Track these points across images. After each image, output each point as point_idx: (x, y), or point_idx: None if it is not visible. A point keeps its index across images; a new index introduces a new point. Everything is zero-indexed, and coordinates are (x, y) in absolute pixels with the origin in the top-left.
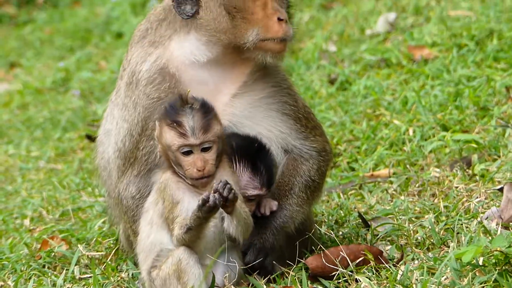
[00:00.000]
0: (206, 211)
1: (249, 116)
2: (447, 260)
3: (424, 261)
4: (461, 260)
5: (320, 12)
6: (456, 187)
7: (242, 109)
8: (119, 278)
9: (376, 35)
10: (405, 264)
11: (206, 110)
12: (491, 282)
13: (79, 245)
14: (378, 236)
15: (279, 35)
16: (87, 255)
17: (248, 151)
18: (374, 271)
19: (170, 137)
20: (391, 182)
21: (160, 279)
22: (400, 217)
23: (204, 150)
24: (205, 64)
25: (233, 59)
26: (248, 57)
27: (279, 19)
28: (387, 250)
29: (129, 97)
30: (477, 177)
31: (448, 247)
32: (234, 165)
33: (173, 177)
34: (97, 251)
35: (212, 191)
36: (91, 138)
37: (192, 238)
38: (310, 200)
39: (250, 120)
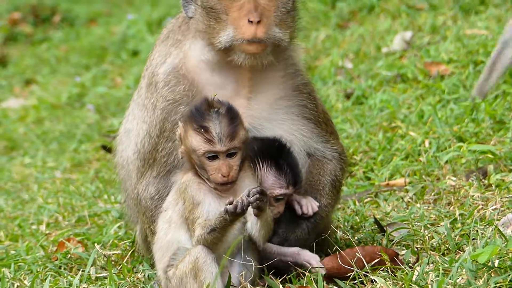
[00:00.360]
0: (233, 214)
1: (268, 118)
2: (463, 261)
3: (440, 263)
4: (476, 261)
5: (336, 31)
6: (472, 196)
7: (260, 111)
8: (135, 279)
9: (392, 53)
10: (420, 266)
11: (233, 116)
12: (507, 282)
13: (95, 245)
14: (393, 241)
15: (245, 36)
16: (103, 257)
17: (270, 151)
18: (390, 272)
19: (196, 142)
20: (407, 191)
21: (177, 278)
22: (416, 223)
23: (229, 155)
24: (214, 66)
25: (228, 63)
26: (231, 59)
27: (249, 21)
28: (403, 254)
29: (148, 99)
30: (493, 187)
31: (464, 252)
32: (258, 167)
33: (195, 179)
34: (113, 252)
35: (245, 195)
36: (106, 148)
37: (214, 239)
38: (336, 199)
39: (270, 123)
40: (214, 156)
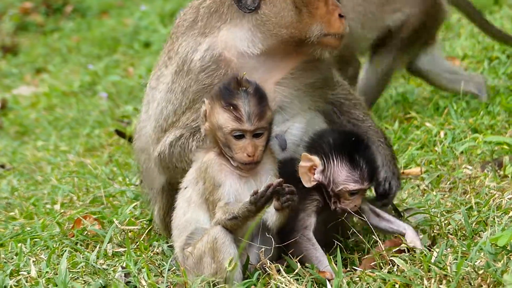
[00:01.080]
0: (258, 206)
1: (292, 102)
2: (481, 244)
3: (458, 247)
4: (495, 244)
5: None
6: (488, 185)
7: (286, 94)
8: (152, 254)
9: None
10: (439, 248)
11: (261, 96)
12: None
13: (114, 219)
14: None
15: (340, 31)
16: (120, 234)
17: (345, 145)
18: (408, 254)
19: (224, 119)
20: (423, 179)
21: (195, 257)
22: (432, 210)
23: (256, 136)
24: (256, 55)
25: (287, 52)
26: (304, 50)
27: (340, 16)
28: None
29: (177, 83)
30: (509, 177)
31: (481, 237)
32: (331, 161)
33: (217, 159)
34: (130, 230)
35: (272, 188)
36: (120, 133)
37: (234, 226)
38: None
39: (295, 107)
40: (241, 135)
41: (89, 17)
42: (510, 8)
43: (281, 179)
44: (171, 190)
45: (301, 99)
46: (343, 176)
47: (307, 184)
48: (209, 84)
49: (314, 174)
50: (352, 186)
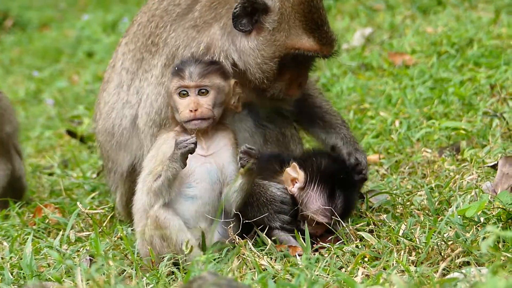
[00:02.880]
0: (182, 153)
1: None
2: (450, 216)
3: (425, 222)
4: (464, 216)
5: None
6: (447, 168)
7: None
8: (115, 238)
9: (352, 48)
10: (405, 224)
11: (211, 62)
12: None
13: (78, 203)
14: (372, 208)
15: (293, 97)
16: (83, 219)
17: (331, 178)
18: (375, 230)
19: (172, 82)
20: (381, 164)
21: (148, 243)
22: (393, 192)
23: (200, 94)
24: (240, 71)
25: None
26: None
27: (300, 84)
28: (383, 220)
29: (167, 77)
30: (468, 160)
31: (444, 216)
32: (312, 184)
33: (174, 136)
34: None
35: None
36: (72, 133)
37: (161, 187)
38: None
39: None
40: (185, 93)
41: (29, 30)
42: (454, 8)
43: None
44: (133, 176)
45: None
46: (316, 205)
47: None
48: None
49: (294, 186)
50: (321, 219)
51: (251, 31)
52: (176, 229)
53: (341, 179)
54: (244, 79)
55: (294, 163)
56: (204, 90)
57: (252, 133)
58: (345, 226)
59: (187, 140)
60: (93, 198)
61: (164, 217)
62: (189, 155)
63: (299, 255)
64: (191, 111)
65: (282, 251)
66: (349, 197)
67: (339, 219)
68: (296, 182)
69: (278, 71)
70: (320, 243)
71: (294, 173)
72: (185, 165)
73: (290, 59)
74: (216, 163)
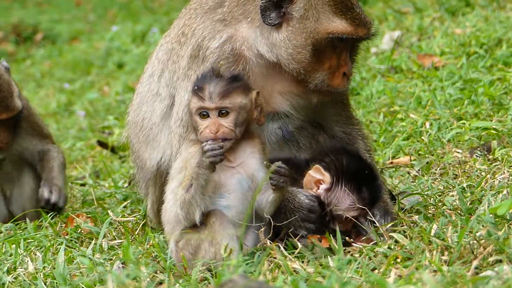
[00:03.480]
0: (211, 161)
1: (297, 109)
2: (481, 215)
3: (457, 221)
4: (495, 215)
5: None
6: (479, 168)
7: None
8: (147, 246)
9: (381, 52)
10: (437, 224)
11: (233, 80)
12: None
13: (110, 212)
14: (404, 209)
15: (339, 88)
16: (115, 228)
17: (357, 175)
18: (408, 229)
19: (192, 102)
20: (412, 166)
21: (192, 247)
22: (425, 193)
23: (221, 115)
24: (272, 63)
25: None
26: (302, 87)
27: (344, 74)
28: (415, 220)
29: (193, 70)
30: (499, 160)
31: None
32: (341, 186)
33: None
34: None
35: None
36: (103, 144)
37: (195, 196)
38: None
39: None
40: (205, 113)
41: (59, 43)
42: (482, 9)
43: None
44: (162, 179)
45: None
46: (346, 203)
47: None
48: None
49: (319, 188)
50: (352, 214)
51: (281, 24)
52: (228, 238)
53: (365, 174)
54: (279, 71)
55: (318, 166)
56: (224, 111)
57: (284, 141)
58: (378, 226)
59: (214, 150)
60: (125, 207)
61: (219, 223)
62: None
63: (330, 253)
64: (211, 132)
65: (314, 254)
66: (375, 188)
67: (373, 220)
68: (321, 184)
69: (316, 59)
70: (353, 244)
71: (318, 175)
72: (214, 170)
73: (325, 45)
74: (246, 172)
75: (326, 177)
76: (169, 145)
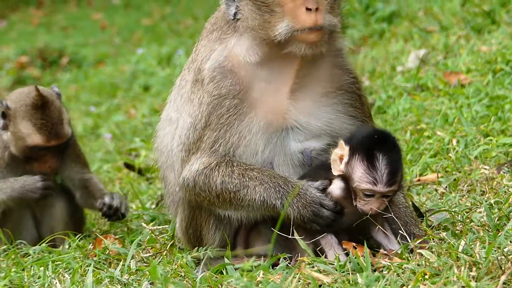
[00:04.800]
0: None
1: (313, 114)
2: (509, 230)
3: (484, 237)
4: None
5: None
6: (506, 184)
7: (305, 107)
8: (175, 266)
9: (407, 71)
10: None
11: (397, 157)
12: None
13: (142, 223)
14: (432, 226)
15: (306, 24)
16: (142, 251)
17: (370, 143)
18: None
19: (361, 177)
20: (439, 183)
21: None
22: (452, 210)
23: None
24: (261, 60)
25: (278, 56)
26: (288, 52)
27: (307, 9)
28: (443, 237)
29: (194, 94)
30: None
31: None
32: (355, 155)
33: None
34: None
35: None
36: (129, 166)
37: None
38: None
39: (316, 119)
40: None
41: (85, 67)
42: (508, 26)
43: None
44: (192, 201)
45: (324, 113)
46: (358, 173)
47: (334, 172)
48: (218, 96)
49: (342, 163)
50: (364, 186)
51: (236, 13)
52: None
53: (381, 143)
54: (269, 64)
55: (341, 141)
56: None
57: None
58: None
59: None
60: (153, 227)
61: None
62: None
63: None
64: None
65: (343, 272)
66: (393, 159)
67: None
68: (343, 158)
69: (269, 13)
70: (381, 261)
71: (340, 150)
72: None
73: None
74: None
75: (345, 149)
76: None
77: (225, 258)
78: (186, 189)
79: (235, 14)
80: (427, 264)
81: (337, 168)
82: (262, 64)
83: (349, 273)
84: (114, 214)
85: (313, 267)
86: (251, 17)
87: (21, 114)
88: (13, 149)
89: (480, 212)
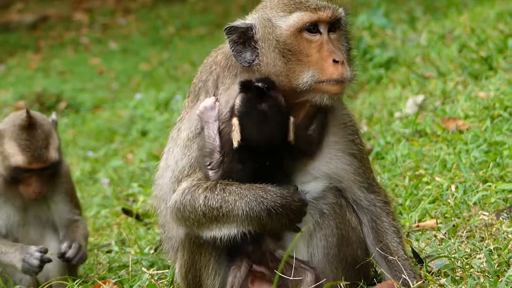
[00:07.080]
0: None
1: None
2: (510, 276)
3: (485, 283)
4: None
5: (346, 101)
6: (505, 230)
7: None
8: None
9: (405, 116)
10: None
11: None
12: None
13: (142, 268)
14: (431, 272)
15: (333, 77)
16: None
17: None
18: None
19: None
20: (438, 229)
21: None
22: (452, 256)
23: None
24: None
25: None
26: (304, 100)
27: (335, 61)
28: (443, 284)
29: (192, 141)
30: None
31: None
32: None
33: None
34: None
35: None
36: (127, 211)
37: None
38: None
39: (318, 161)
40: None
41: (83, 112)
42: (505, 72)
43: None
44: (191, 246)
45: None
46: None
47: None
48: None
49: None
50: None
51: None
52: None
53: None
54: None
55: None
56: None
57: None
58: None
59: None
60: (151, 272)
61: None
62: None
63: None
64: None
65: None
66: None
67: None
68: None
69: (295, 61)
70: None
71: None
72: None
73: (296, 43)
74: None
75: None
76: None
77: None
78: (175, 212)
79: (254, 58)
80: None
81: None
82: None
83: None
84: (67, 261)
85: None
86: (273, 63)
87: (9, 134)
88: (1, 169)
89: (479, 258)
